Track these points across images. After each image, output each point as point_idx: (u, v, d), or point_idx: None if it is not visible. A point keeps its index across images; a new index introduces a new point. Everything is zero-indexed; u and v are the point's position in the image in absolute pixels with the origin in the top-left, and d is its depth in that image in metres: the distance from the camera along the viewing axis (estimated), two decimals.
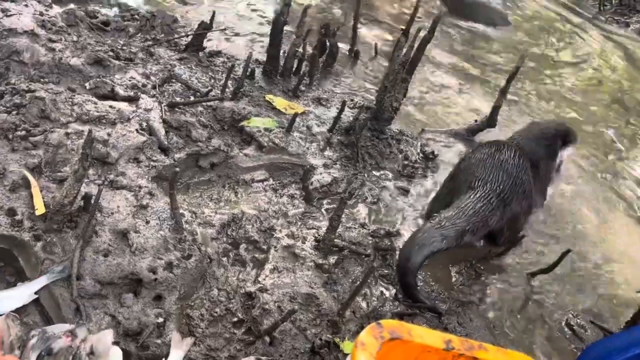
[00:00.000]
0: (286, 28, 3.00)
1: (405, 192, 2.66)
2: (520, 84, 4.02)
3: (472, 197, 2.28)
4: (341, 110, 2.76)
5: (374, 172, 2.71)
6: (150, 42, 3.05)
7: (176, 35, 3.17)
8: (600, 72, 4.79)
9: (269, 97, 2.87)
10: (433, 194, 2.68)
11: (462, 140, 3.21)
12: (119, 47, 2.88)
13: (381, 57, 3.81)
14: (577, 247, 2.61)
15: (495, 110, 3.21)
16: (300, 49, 3.07)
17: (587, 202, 3.00)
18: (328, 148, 2.70)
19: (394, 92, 2.81)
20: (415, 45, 2.69)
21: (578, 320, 2.25)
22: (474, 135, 3.27)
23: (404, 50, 2.75)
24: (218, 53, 3.18)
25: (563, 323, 2.23)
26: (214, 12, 3.09)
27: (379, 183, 2.65)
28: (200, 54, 3.10)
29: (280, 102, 2.87)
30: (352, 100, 3.17)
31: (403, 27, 2.92)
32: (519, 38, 4.97)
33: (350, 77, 3.48)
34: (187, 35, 3.10)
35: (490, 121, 3.21)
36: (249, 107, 2.72)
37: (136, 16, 3.24)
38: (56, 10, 2.97)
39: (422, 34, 2.68)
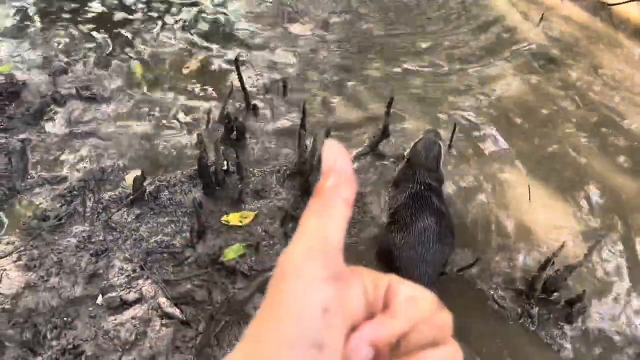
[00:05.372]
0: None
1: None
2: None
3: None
4: (285, 217, 3.46)
5: None
6: (103, 216, 3.52)
7: (122, 194, 3.63)
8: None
9: (224, 219, 3.52)
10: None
11: (369, 157, 3.99)
12: (93, 242, 3.38)
13: (271, 92, 4.35)
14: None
15: (386, 127, 3.96)
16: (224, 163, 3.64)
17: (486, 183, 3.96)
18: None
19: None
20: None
21: (500, 292, 3.36)
22: (376, 147, 4.05)
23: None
24: (158, 189, 3.68)
25: (490, 302, 3.32)
26: (143, 174, 3.54)
27: None
28: (147, 197, 3.61)
29: (233, 218, 3.53)
30: (278, 172, 3.83)
31: None
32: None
33: (262, 139, 4.06)
34: (130, 196, 3.57)
35: (384, 133, 3.98)
36: (217, 241, 3.40)
37: (80, 196, 3.63)
38: None
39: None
